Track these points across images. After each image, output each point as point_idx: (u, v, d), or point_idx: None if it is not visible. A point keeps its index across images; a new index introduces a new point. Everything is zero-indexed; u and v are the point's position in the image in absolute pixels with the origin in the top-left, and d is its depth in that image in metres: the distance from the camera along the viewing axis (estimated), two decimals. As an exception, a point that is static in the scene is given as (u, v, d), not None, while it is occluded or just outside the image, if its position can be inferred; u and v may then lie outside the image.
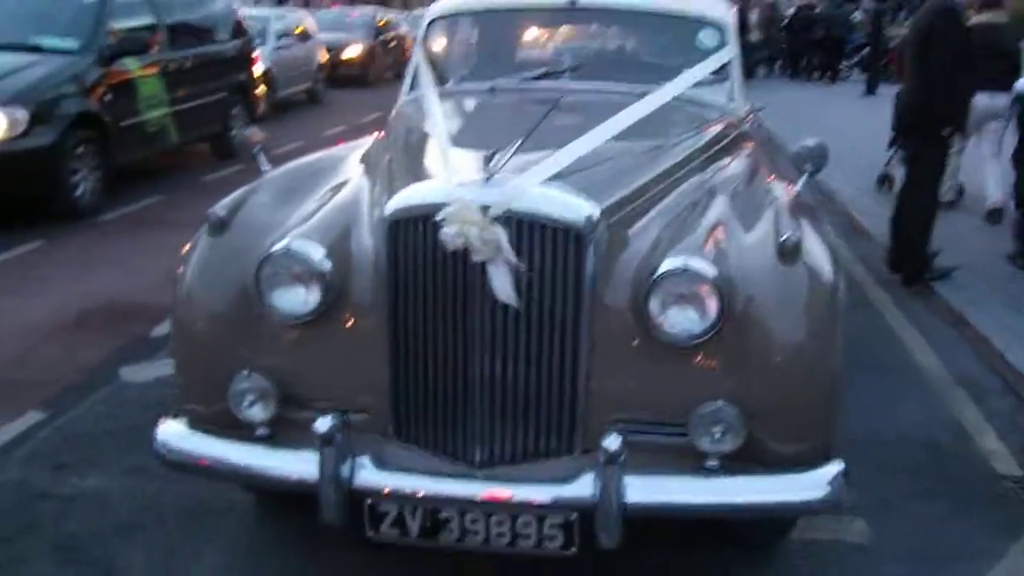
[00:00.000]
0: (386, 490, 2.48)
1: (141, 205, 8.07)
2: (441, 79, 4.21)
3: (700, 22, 4.22)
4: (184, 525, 3.21)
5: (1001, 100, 7.44)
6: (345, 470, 2.47)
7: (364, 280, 2.64)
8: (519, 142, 2.76)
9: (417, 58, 4.13)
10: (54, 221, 7.23)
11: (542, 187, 2.49)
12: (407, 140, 3.44)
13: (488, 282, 2.38)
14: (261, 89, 11.56)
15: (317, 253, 2.58)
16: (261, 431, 2.63)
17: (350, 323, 2.63)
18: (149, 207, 8.05)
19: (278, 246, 2.58)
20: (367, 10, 21.62)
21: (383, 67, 19.69)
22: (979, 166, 7.65)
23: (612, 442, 2.36)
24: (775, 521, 2.94)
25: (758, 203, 2.92)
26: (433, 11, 4.50)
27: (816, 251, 2.62)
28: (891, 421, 4.10)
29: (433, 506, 2.46)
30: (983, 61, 6.13)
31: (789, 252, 2.49)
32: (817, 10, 20.96)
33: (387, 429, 2.62)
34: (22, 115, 6.90)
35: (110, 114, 7.85)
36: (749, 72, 17.67)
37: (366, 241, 2.72)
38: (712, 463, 2.45)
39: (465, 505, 2.45)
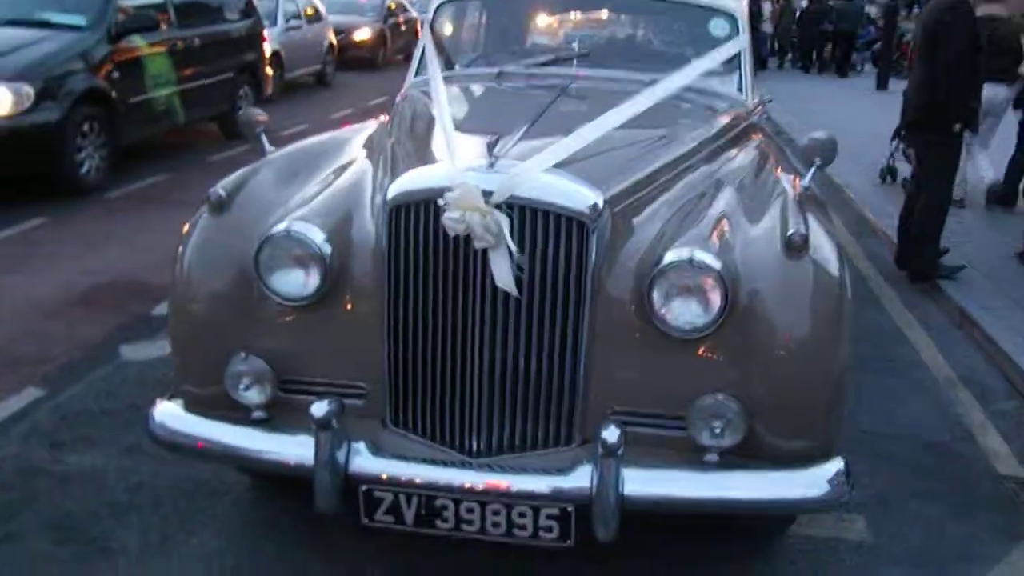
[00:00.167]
0: (383, 476, 2.45)
1: (147, 183, 8.05)
2: (448, 63, 4.18)
3: (712, 11, 4.18)
4: (180, 506, 3.20)
5: (1002, 93, 7.44)
6: (341, 456, 2.44)
7: (364, 264, 2.61)
8: (524, 128, 2.73)
9: (424, 42, 4.09)
10: (59, 198, 7.22)
11: (546, 174, 2.46)
12: (412, 124, 3.40)
13: (489, 269, 2.35)
14: (269, 70, 11.51)
15: (318, 236, 2.55)
16: (257, 414, 2.61)
17: (349, 307, 2.61)
18: (155, 185, 8.02)
19: (278, 228, 2.56)
20: (378, -8, 21.52)
21: (393, 50, 19.61)
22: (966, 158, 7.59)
23: (611, 434, 2.33)
24: (774, 517, 2.91)
25: (765, 196, 2.89)
26: (442, -6, 4.46)
27: (823, 246, 2.58)
28: (894, 419, 4.07)
29: (428, 494, 2.43)
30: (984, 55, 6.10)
31: (796, 246, 2.46)
32: (829, 3, 20.81)
33: (384, 416, 2.60)
34: (28, 91, 6.86)
35: (117, 91, 7.81)
36: (761, 64, 17.62)
37: (367, 225, 2.69)
38: (711, 457, 2.43)
39: (461, 494, 2.42)
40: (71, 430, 3.70)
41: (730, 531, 3.06)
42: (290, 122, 10.35)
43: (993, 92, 7.22)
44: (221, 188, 2.75)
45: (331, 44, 16.19)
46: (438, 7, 4.39)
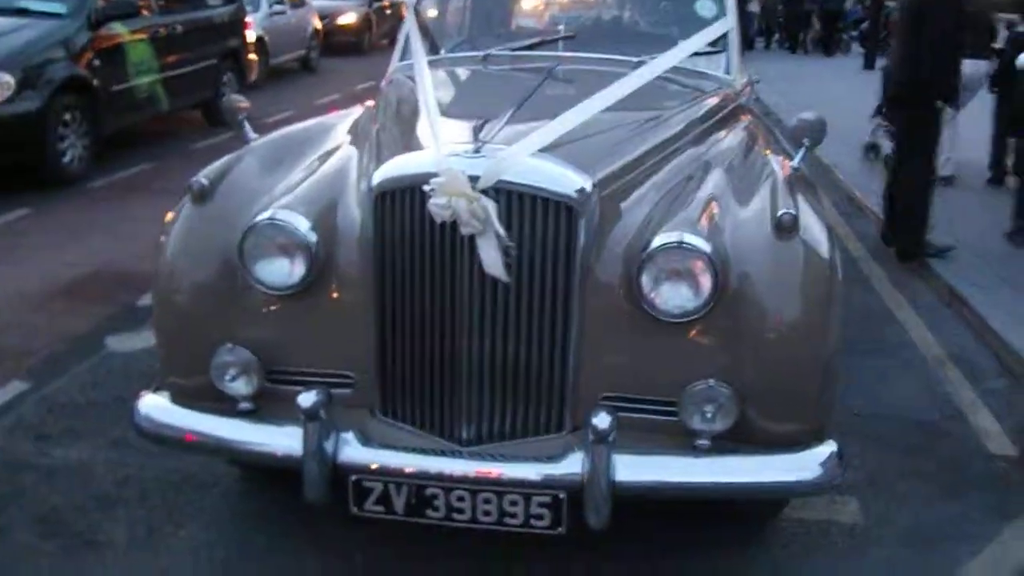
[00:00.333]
0: (373, 465, 2.43)
1: (131, 172, 7.98)
2: (433, 47, 4.13)
3: (698, -9, 4.13)
4: (168, 499, 3.17)
5: (983, 68, 7.61)
6: (329, 446, 2.42)
7: (350, 252, 2.58)
8: (511, 112, 2.70)
9: (409, 25, 4.04)
10: (42, 188, 7.15)
11: (533, 158, 2.43)
12: (396, 110, 3.36)
13: (477, 255, 2.33)
14: (253, 56, 11.41)
15: (303, 224, 2.52)
16: (244, 405, 2.58)
17: (336, 296, 2.58)
18: (139, 174, 7.95)
19: (262, 216, 2.52)
20: (362, -24, 21.36)
21: (379, 34, 19.51)
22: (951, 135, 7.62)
23: (602, 420, 2.31)
24: (767, 501, 2.90)
25: (754, 177, 2.86)
26: (426, -24, 4.40)
27: (813, 227, 2.56)
28: (884, 400, 4.07)
29: (418, 483, 2.41)
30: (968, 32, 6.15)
31: (786, 227, 2.43)
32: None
33: (373, 405, 2.58)
34: (8, 80, 6.78)
35: (99, 79, 7.73)
36: (748, 44, 17.60)
37: (353, 212, 2.65)
38: (703, 442, 2.41)
39: (451, 483, 2.40)
40: (57, 423, 3.66)
41: (722, 516, 3.04)
42: (275, 108, 10.27)
43: (975, 67, 7.36)
44: (203, 177, 2.71)
45: (316, 29, 16.08)
46: (422, -11, 4.33)
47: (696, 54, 3.75)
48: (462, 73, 3.85)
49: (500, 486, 2.39)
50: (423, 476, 2.41)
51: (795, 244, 2.46)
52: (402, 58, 4.09)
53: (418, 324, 2.47)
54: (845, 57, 19.41)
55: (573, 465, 2.36)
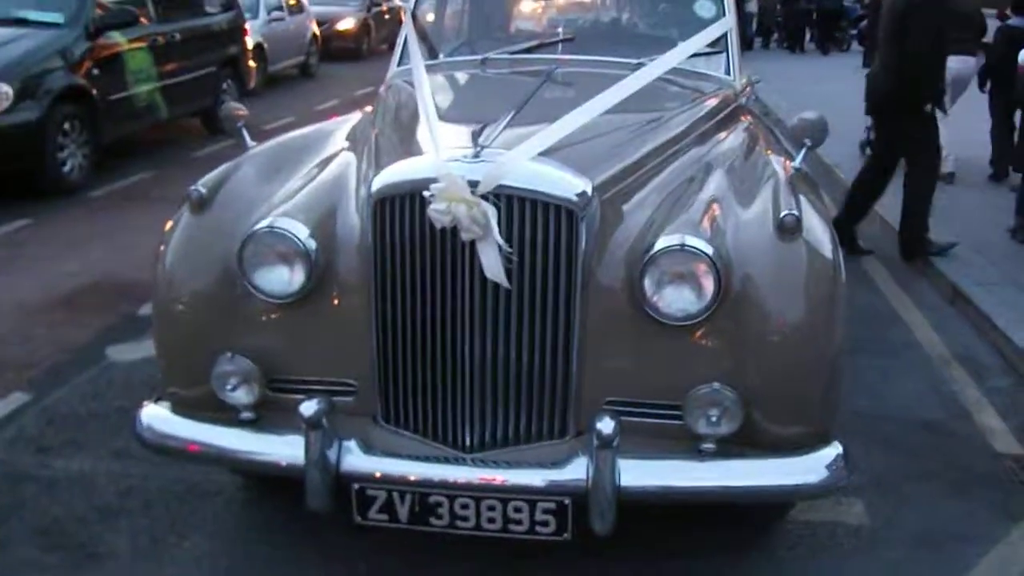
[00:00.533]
0: (376, 474, 2.41)
1: (130, 181, 7.96)
2: (432, 52, 4.12)
3: (697, -8, 4.12)
4: (171, 510, 3.15)
5: (969, 65, 7.70)
6: (332, 455, 2.40)
7: (350, 259, 2.57)
8: (510, 116, 2.68)
9: (407, 30, 4.03)
10: (42, 198, 7.13)
11: (533, 162, 2.41)
12: (395, 115, 3.35)
13: (477, 261, 2.31)
14: (252, 63, 11.41)
15: (302, 232, 2.50)
16: (246, 414, 2.56)
17: (336, 303, 2.57)
18: (139, 183, 7.94)
19: (261, 224, 2.51)
20: (361, -18, 21.35)
21: (378, 40, 19.48)
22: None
23: (606, 425, 2.29)
24: (772, 504, 2.88)
25: (756, 178, 2.85)
26: (423, -19, 4.39)
27: (816, 228, 2.54)
28: (889, 400, 4.05)
29: (422, 491, 2.39)
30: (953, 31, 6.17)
31: (788, 229, 2.42)
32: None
33: (375, 412, 2.56)
34: (6, 90, 6.76)
35: (98, 88, 7.70)
36: (747, 45, 17.59)
37: (352, 219, 2.64)
38: (708, 446, 2.39)
39: (455, 490, 2.38)
40: (58, 434, 3.64)
41: (727, 519, 3.02)
42: (274, 115, 10.26)
43: (962, 64, 7.49)
44: (201, 186, 2.70)
45: (314, 35, 16.08)
46: (420, -6, 4.32)
47: (696, 55, 3.74)
48: (461, 77, 3.83)
49: (504, 493, 2.37)
50: (426, 484, 2.39)
51: (798, 245, 2.44)
52: (400, 63, 4.08)
53: (419, 330, 2.45)
54: (844, 55, 19.37)
55: (578, 471, 2.34)
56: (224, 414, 2.57)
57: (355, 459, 2.42)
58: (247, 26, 11.21)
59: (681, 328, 2.39)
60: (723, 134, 3.36)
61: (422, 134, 2.78)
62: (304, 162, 3.03)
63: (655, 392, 2.43)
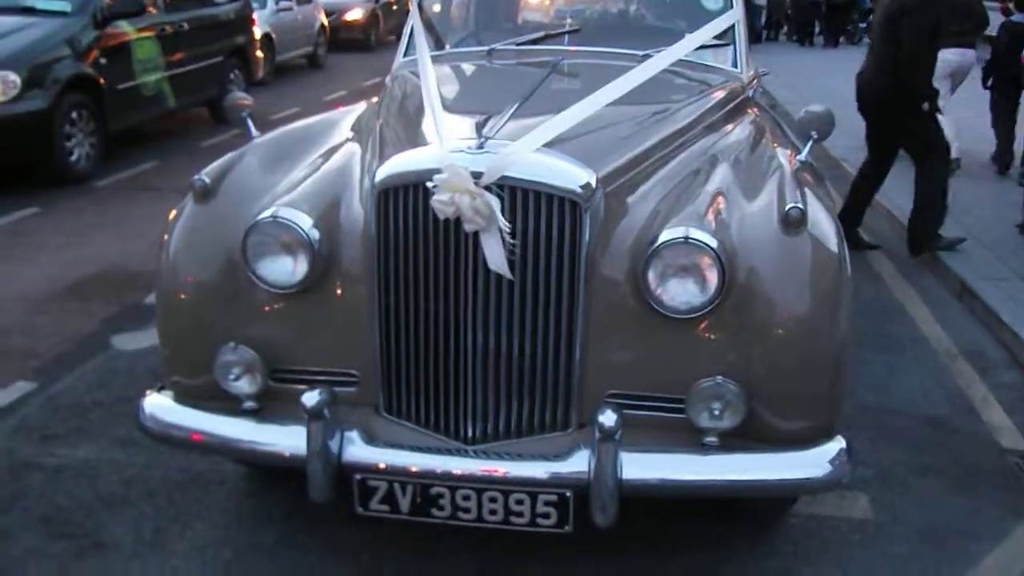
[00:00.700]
0: (377, 465, 2.41)
1: (137, 170, 7.97)
2: (438, 43, 4.11)
3: (705, -17, 4.10)
4: (174, 498, 3.16)
5: (969, 57, 7.67)
6: (334, 445, 2.40)
7: (354, 250, 2.56)
8: (515, 107, 2.67)
9: (413, 21, 4.02)
10: (49, 186, 7.15)
11: (537, 154, 2.40)
12: (400, 106, 3.33)
13: (480, 252, 2.30)
14: (260, 53, 11.40)
15: (305, 222, 2.50)
16: (248, 404, 2.56)
17: (339, 294, 2.56)
18: (145, 172, 7.94)
19: (265, 214, 2.50)
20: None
21: (386, 30, 19.43)
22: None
23: (608, 418, 2.28)
24: (776, 498, 2.87)
25: (762, 171, 2.83)
26: (430, -29, 4.37)
27: (821, 221, 2.52)
28: (895, 395, 4.03)
29: (424, 483, 2.39)
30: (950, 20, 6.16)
31: (793, 222, 2.40)
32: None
33: (378, 403, 2.56)
34: (14, 79, 6.78)
35: (105, 78, 7.71)
36: (756, 37, 17.53)
37: (356, 209, 2.63)
38: (711, 440, 2.38)
39: (456, 482, 2.38)
40: (63, 423, 3.65)
41: (732, 513, 3.02)
42: (282, 106, 10.28)
43: (962, 57, 7.51)
44: (205, 175, 2.69)
45: (322, 25, 16.06)
46: (427, -16, 4.30)
47: (703, 47, 3.71)
48: (466, 68, 3.82)
49: (506, 485, 2.37)
50: (428, 475, 2.39)
51: (803, 238, 2.43)
52: (406, 54, 4.06)
53: (422, 321, 2.45)
54: (854, 49, 19.27)
55: (579, 463, 2.33)
56: (227, 404, 2.57)
57: (357, 450, 2.42)
58: (255, 16, 11.20)
59: (685, 321, 2.37)
60: (729, 126, 3.34)
61: (426, 125, 2.77)
62: (308, 152, 3.03)
63: (658, 385, 2.42)
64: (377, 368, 2.52)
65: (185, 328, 2.62)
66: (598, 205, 2.43)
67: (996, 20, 8.81)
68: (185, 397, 2.64)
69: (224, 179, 2.75)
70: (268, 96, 11.37)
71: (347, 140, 3.15)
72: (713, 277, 2.33)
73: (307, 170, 2.83)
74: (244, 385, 2.54)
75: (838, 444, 2.43)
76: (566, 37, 3.88)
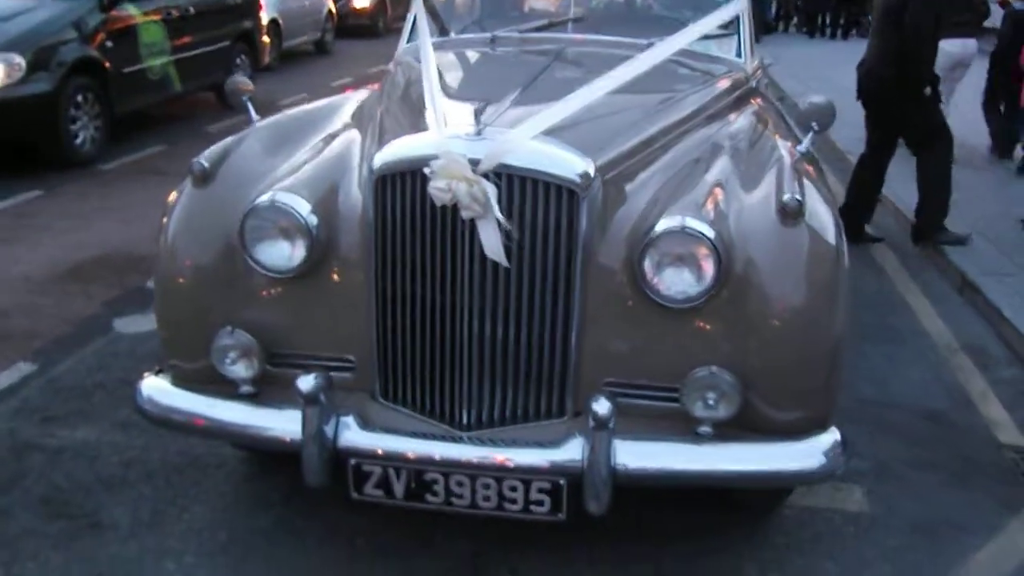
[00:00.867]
0: (372, 449, 2.42)
1: (143, 154, 7.98)
2: (442, 30, 4.10)
3: (710, -27, 4.07)
4: (173, 480, 3.17)
5: (971, 46, 7.64)
6: (329, 430, 2.41)
7: (351, 235, 2.57)
8: (515, 95, 2.67)
9: (416, 7, 4.01)
10: (53, 169, 7.16)
11: (535, 141, 2.40)
12: (401, 92, 3.33)
13: (477, 239, 2.30)
14: (267, 38, 11.39)
15: (303, 207, 2.50)
16: (245, 388, 2.57)
17: (336, 279, 2.57)
18: (151, 156, 7.96)
19: (263, 198, 2.51)
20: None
21: (394, 17, 19.32)
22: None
23: (601, 406, 2.29)
24: (770, 489, 2.87)
25: (762, 162, 2.82)
26: (435, -43, 4.35)
27: (819, 212, 2.52)
28: (894, 388, 4.03)
29: (418, 468, 2.40)
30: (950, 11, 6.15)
31: (791, 213, 2.40)
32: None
33: (373, 389, 2.57)
34: (19, 61, 6.79)
35: (111, 61, 7.72)
36: (766, 29, 17.45)
37: (354, 195, 2.64)
38: (705, 429, 2.39)
39: (451, 468, 2.39)
40: (63, 405, 3.67)
41: (727, 503, 3.02)
42: (288, 92, 10.26)
43: (963, 48, 7.48)
44: (204, 159, 2.70)
45: (330, 11, 16.04)
46: (431, -28, 4.29)
47: (707, 37, 3.70)
48: (469, 55, 3.81)
49: (500, 471, 2.37)
50: (422, 461, 2.40)
51: (800, 229, 2.42)
52: (410, 40, 4.06)
53: (419, 308, 2.45)
54: (865, 40, 19.21)
55: (573, 451, 2.34)
56: (224, 388, 2.58)
57: (352, 435, 2.43)
58: (262, 1, 11.18)
59: (680, 311, 2.38)
60: (731, 117, 3.33)
61: (426, 111, 2.77)
62: (309, 137, 3.03)
63: (653, 374, 2.43)
64: (373, 354, 2.53)
65: (183, 312, 2.63)
66: (596, 194, 2.42)
67: (996, 15, 8.81)
68: (183, 381, 2.65)
69: (223, 163, 2.75)
70: (274, 82, 11.37)
71: (348, 126, 3.15)
72: (709, 267, 2.33)
73: (307, 155, 2.84)
74: (241, 369, 2.55)
75: (832, 436, 2.43)
76: (570, 25, 3.87)
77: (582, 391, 2.44)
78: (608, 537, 2.86)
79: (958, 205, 6.01)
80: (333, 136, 3.02)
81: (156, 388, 2.67)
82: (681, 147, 2.91)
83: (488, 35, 3.84)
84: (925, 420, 3.77)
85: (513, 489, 2.37)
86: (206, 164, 2.68)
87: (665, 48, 3.29)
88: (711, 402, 2.35)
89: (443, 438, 2.44)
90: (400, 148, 2.47)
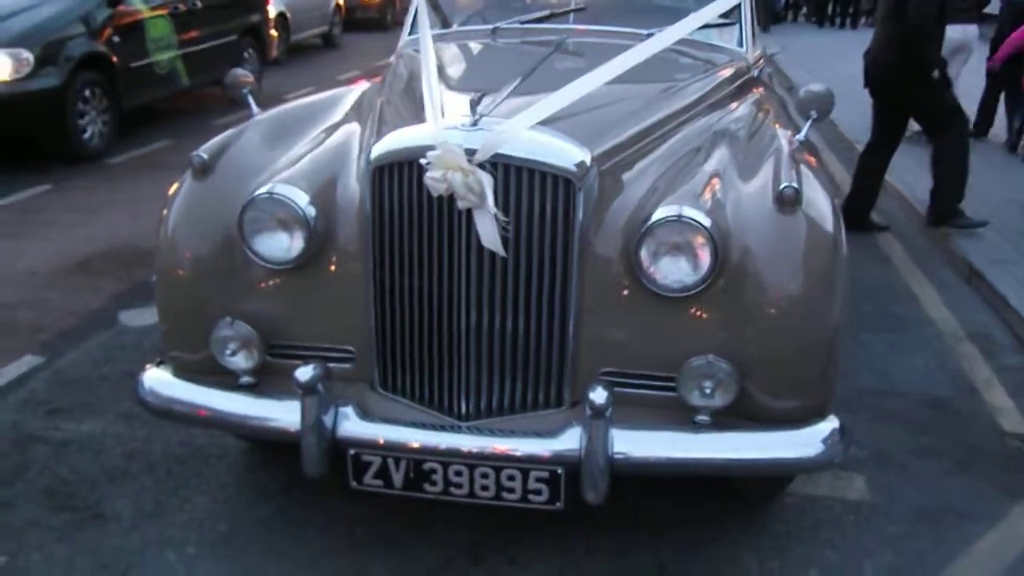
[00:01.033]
0: (371, 439, 2.43)
1: (150, 148, 8.01)
2: (444, 22, 4.10)
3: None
4: (174, 471, 3.20)
5: (971, 33, 7.72)
6: (328, 420, 2.42)
7: (349, 226, 2.57)
8: (513, 85, 2.67)
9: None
10: (61, 164, 7.20)
11: (531, 131, 2.40)
12: (402, 84, 3.34)
13: (474, 229, 2.31)
14: (274, 32, 11.41)
15: (301, 198, 2.51)
16: (245, 379, 2.59)
17: (334, 270, 2.58)
18: (158, 151, 7.99)
19: (261, 190, 2.52)
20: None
21: (402, 10, 19.35)
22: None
23: (598, 395, 2.29)
24: (769, 477, 2.87)
25: (760, 151, 2.82)
26: (436, -51, 4.35)
27: (817, 200, 2.51)
28: (898, 376, 4.02)
29: (417, 458, 2.41)
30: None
31: (787, 201, 2.39)
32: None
33: (372, 379, 2.58)
34: (27, 56, 6.81)
35: (119, 56, 7.75)
36: (776, 18, 17.38)
37: (353, 187, 2.64)
38: (702, 418, 2.39)
39: (449, 457, 2.40)
40: (69, 397, 3.69)
41: (726, 492, 3.02)
42: (296, 85, 10.27)
43: (964, 34, 7.58)
44: (203, 152, 2.71)
45: (338, 5, 16.04)
46: (433, -38, 4.29)
47: (708, 26, 3.68)
48: (470, 46, 3.81)
49: (498, 461, 2.38)
50: (421, 450, 2.41)
51: (797, 218, 2.41)
52: (411, 32, 4.06)
53: (417, 298, 2.46)
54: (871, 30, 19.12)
55: (571, 440, 2.35)
56: (225, 379, 2.59)
57: (351, 425, 2.44)
58: (269, -6, 11.20)
59: (677, 299, 2.38)
60: (732, 106, 3.32)
61: (425, 102, 2.77)
62: (308, 129, 3.04)
63: (650, 363, 2.43)
64: (372, 344, 2.54)
65: (183, 303, 2.64)
66: (592, 183, 2.43)
67: (994, 6, 8.80)
68: (184, 372, 2.67)
69: (222, 155, 2.76)
70: (282, 76, 11.39)
71: (348, 118, 3.15)
72: (706, 256, 2.33)
73: (306, 147, 2.85)
74: (241, 360, 2.57)
75: (831, 424, 2.43)
76: (572, 16, 3.87)
77: (579, 381, 2.45)
78: (606, 526, 2.86)
79: (970, 194, 5.98)
80: (333, 128, 3.03)
81: (157, 380, 2.69)
82: (680, 136, 2.91)
83: (489, 26, 3.84)
84: (929, 408, 3.76)
85: (511, 478, 2.38)
86: (205, 156, 2.69)
87: (665, 38, 3.27)
88: (708, 391, 2.35)
89: (441, 428, 2.45)
90: (397, 139, 2.48)
